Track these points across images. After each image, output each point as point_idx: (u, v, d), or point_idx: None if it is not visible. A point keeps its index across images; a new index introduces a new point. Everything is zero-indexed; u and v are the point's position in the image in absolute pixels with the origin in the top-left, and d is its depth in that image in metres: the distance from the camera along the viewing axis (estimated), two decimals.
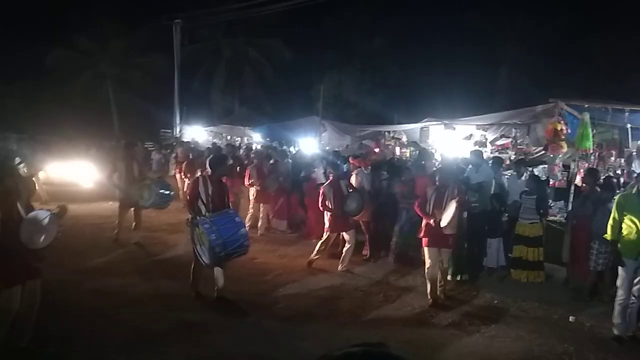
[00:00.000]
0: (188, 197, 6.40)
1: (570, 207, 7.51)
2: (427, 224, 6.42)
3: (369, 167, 9.21)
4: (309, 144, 15.80)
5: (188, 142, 17.13)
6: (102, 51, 27.30)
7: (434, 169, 9.00)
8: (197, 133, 21.70)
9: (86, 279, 6.66)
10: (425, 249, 6.48)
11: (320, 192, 7.81)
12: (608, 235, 5.54)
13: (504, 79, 25.40)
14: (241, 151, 14.94)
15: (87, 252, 7.97)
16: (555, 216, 8.13)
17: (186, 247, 8.39)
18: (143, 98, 25.63)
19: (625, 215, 5.37)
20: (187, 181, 10.31)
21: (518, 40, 24.84)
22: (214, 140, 19.81)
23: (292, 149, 16.04)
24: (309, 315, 5.92)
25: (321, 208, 7.76)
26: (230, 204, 6.40)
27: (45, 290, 4.71)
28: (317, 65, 26.70)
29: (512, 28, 24.68)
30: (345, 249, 7.76)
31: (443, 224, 6.24)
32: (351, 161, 9.44)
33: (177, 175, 12.78)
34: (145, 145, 18.40)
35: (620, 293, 5.41)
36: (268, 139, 17.31)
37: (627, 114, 9.53)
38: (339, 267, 7.70)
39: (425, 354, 5.01)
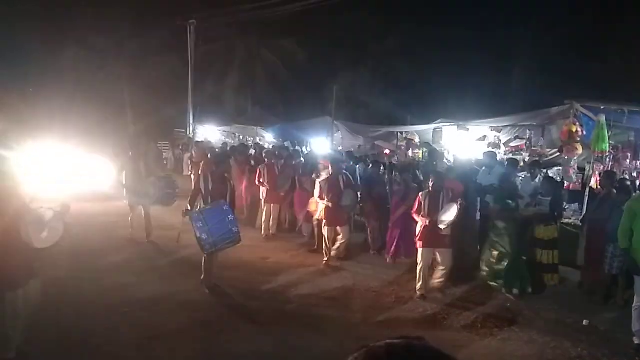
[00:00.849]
0: (192, 192, 6.84)
1: (585, 210, 7.43)
2: (423, 226, 6.60)
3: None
4: (321, 144, 15.81)
5: (202, 142, 17.20)
6: (118, 51, 27.53)
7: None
8: (210, 133, 21.83)
9: (101, 277, 6.74)
10: (420, 250, 6.68)
11: (317, 185, 8.09)
12: (620, 243, 5.43)
13: (517, 80, 25.19)
14: (252, 151, 14.97)
15: (101, 250, 8.06)
16: (570, 219, 8.06)
17: (196, 247, 8.51)
18: (157, 98, 25.80)
19: (637, 221, 5.24)
20: None
21: (532, 41, 24.62)
22: (227, 139, 19.92)
23: (304, 149, 16.08)
24: (320, 316, 5.93)
25: (318, 200, 8.03)
26: (228, 198, 6.60)
27: (60, 288, 4.79)
28: (330, 66, 26.66)
29: (526, 29, 24.47)
30: (339, 242, 8.03)
31: (443, 225, 6.42)
32: (321, 162, 9.30)
33: (193, 176, 12.80)
34: (159, 145, 18.51)
35: (637, 300, 5.31)
36: (281, 139, 17.36)
37: None
38: (332, 253, 7.99)
39: None
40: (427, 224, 6.52)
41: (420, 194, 6.87)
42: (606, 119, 8.36)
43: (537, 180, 8.09)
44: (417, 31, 25.31)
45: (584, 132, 8.84)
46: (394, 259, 8.06)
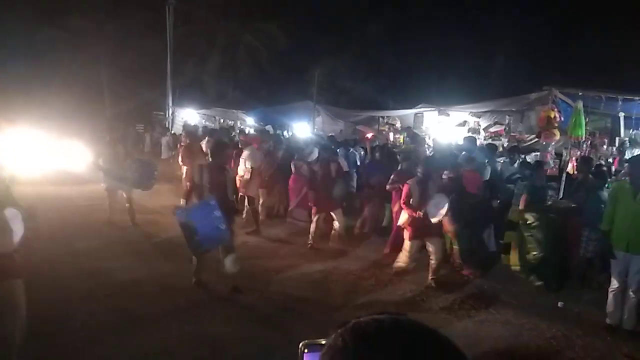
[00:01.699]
0: (187, 185, 6.19)
1: (561, 195, 7.55)
2: (413, 217, 6.43)
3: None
4: (302, 128, 15.76)
5: (193, 126, 16.26)
6: (96, 33, 26.93)
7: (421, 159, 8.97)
8: (190, 116, 21.59)
9: (78, 261, 6.66)
10: (408, 242, 6.57)
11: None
12: (602, 226, 5.50)
13: (499, 66, 25.36)
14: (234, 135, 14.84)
15: (78, 234, 7.96)
16: (547, 203, 8.17)
17: (179, 230, 8.44)
18: (136, 80, 25.36)
19: (618, 205, 5.34)
20: (184, 168, 10.23)
21: (513, 28, 24.75)
22: (206, 123, 19.71)
23: (285, 133, 16.02)
24: (301, 299, 5.96)
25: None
26: (230, 193, 6.05)
27: (36, 272, 4.70)
28: (312, 50, 26.49)
29: (507, 16, 24.57)
30: (335, 229, 8.01)
31: (435, 218, 6.28)
32: (242, 138, 9.37)
33: (185, 167, 12.33)
34: (137, 127, 18.22)
35: (613, 283, 5.41)
36: (262, 123, 17.25)
37: (620, 102, 9.61)
38: (330, 243, 7.99)
39: None
40: (419, 215, 6.31)
41: (409, 182, 6.61)
42: (584, 105, 8.48)
43: (515, 165, 8.19)
44: (400, 17, 25.26)
45: (562, 118, 8.97)
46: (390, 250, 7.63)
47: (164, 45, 22.52)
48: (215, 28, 27.97)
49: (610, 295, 5.44)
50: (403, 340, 0.80)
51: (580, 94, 8.99)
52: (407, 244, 6.63)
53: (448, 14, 24.56)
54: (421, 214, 6.32)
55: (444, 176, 7.28)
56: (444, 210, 6.32)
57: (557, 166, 9.27)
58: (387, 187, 7.73)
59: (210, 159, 6.16)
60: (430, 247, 6.54)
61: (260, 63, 28.21)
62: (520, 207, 6.80)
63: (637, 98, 9.55)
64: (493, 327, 5.48)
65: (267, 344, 4.70)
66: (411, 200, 6.48)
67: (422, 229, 6.40)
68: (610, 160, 9.55)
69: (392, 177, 7.72)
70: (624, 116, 9.88)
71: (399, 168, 8.01)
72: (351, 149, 10.70)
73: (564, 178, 7.70)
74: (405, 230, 6.67)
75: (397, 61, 26.04)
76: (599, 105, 9.63)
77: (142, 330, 4.89)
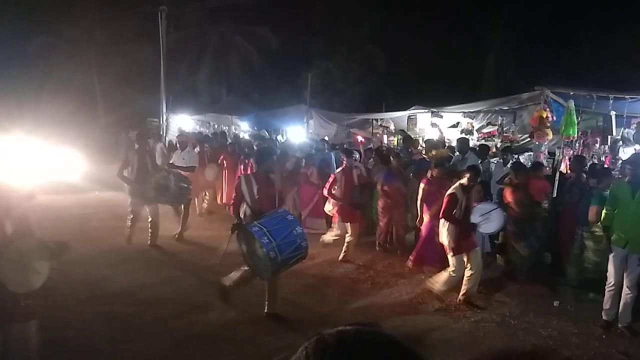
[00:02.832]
0: (232, 200, 5.60)
1: (554, 194, 7.59)
2: (459, 231, 5.88)
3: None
4: (296, 132, 15.77)
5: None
6: (88, 39, 26.89)
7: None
8: (184, 121, 21.53)
9: (71, 270, 6.60)
10: (454, 258, 5.94)
11: (331, 178, 7.68)
12: (603, 221, 5.50)
13: (491, 67, 25.49)
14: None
15: (74, 242, 7.87)
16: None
17: (171, 234, 8.42)
18: (129, 86, 25.31)
19: (617, 205, 5.36)
20: None
21: (505, 28, 24.88)
22: (201, 128, 19.68)
23: (279, 137, 16.04)
24: (297, 303, 5.95)
25: (327, 195, 7.75)
26: (279, 203, 5.50)
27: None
28: (305, 53, 26.56)
29: (499, 16, 24.71)
30: (347, 241, 7.66)
31: (489, 229, 5.96)
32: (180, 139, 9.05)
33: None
34: (129, 135, 18.16)
35: (610, 281, 5.46)
36: (256, 128, 17.25)
37: (611, 101, 9.65)
38: (340, 256, 7.65)
39: (413, 339, 5.06)
40: (461, 228, 5.83)
41: (452, 192, 5.96)
42: (575, 105, 8.52)
43: (508, 165, 8.22)
44: (392, 19, 25.34)
45: (554, 118, 9.01)
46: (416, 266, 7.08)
47: (156, 52, 22.47)
48: (208, 33, 28.00)
49: (607, 293, 5.49)
50: (364, 351, 0.82)
51: (571, 93, 9.02)
52: (452, 261, 5.98)
53: (440, 16, 24.65)
54: (464, 226, 5.89)
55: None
56: (497, 217, 5.90)
57: (550, 166, 9.31)
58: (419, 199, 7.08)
59: (255, 168, 5.66)
60: (469, 261, 5.98)
61: (253, 66, 28.24)
62: (591, 219, 5.85)
63: (628, 96, 9.61)
64: (489, 327, 5.51)
65: (263, 349, 4.70)
66: (454, 211, 5.92)
67: (465, 241, 5.94)
68: (603, 158, 9.61)
69: (423, 186, 7.07)
70: (616, 115, 9.93)
71: (430, 175, 7.22)
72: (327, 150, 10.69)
73: (557, 177, 7.74)
74: (447, 246, 6.03)
75: (390, 63, 26.10)
76: (591, 104, 9.67)
77: (137, 338, 4.88)
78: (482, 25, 24.60)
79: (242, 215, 5.34)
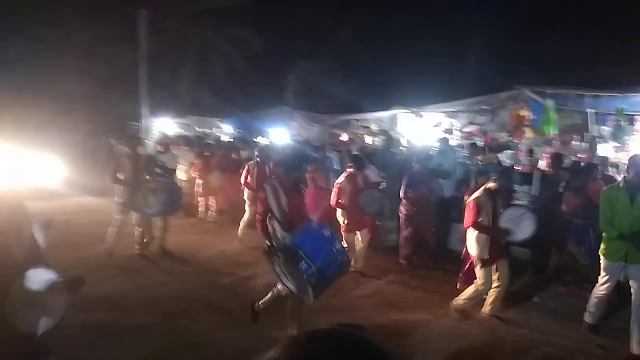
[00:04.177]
0: (259, 216, 4.99)
1: (533, 191, 7.69)
2: (489, 240, 5.43)
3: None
4: (279, 134, 15.75)
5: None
6: (68, 44, 26.58)
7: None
8: (166, 125, 21.39)
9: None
10: (482, 270, 5.50)
11: (337, 188, 7.08)
12: (610, 233, 4.95)
13: (471, 67, 25.73)
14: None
15: (55, 249, 7.79)
16: (520, 200, 8.31)
17: (153, 239, 8.35)
18: (109, 90, 25.06)
19: (617, 207, 4.86)
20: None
21: (485, 28, 25.14)
22: (184, 132, 19.57)
23: (261, 139, 15.99)
24: (282, 304, 5.94)
25: (334, 205, 7.17)
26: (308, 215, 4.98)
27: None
28: (288, 55, 26.54)
29: (478, 15, 24.96)
30: (358, 249, 7.32)
31: (523, 235, 5.44)
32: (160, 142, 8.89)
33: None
34: (110, 140, 17.98)
35: (601, 289, 5.13)
36: (239, 130, 17.18)
37: (589, 99, 9.81)
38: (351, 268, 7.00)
39: (395, 338, 5.08)
40: (493, 236, 5.38)
41: (478, 197, 5.50)
42: (554, 103, 8.65)
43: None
44: (374, 19, 25.48)
45: (533, 117, 9.14)
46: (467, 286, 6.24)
47: (137, 54, 22.30)
48: (189, 35, 27.85)
49: (595, 299, 5.23)
50: (331, 349, 0.85)
51: (549, 92, 9.17)
52: (480, 274, 5.52)
53: (420, 17, 24.84)
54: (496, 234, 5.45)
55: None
56: (528, 222, 5.44)
57: (530, 163, 9.43)
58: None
59: (284, 176, 5.02)
60: (499, 271, 5.56)
61: (236, 68, 28.16)
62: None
63: (605, 94, 9.78)
64: (471, 324, 5.56)
65: (246, 354, 4.68)
66: (480, 219, 5.44)
67: (495, 252, 5.48)
68: (581, 156, 9.76)
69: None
70: (595, 112, 10.09)
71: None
72: (328, 154, 10.70)
73: (536, 175, 7.84)
74: (475, 258, 5.57)
75: (372, 63, 26.23)
76: (569, 103, 9.83)
77: (118, 344, 4.84)
78: (463, 25, 24.84)
79: (270, 231, 4.84)
